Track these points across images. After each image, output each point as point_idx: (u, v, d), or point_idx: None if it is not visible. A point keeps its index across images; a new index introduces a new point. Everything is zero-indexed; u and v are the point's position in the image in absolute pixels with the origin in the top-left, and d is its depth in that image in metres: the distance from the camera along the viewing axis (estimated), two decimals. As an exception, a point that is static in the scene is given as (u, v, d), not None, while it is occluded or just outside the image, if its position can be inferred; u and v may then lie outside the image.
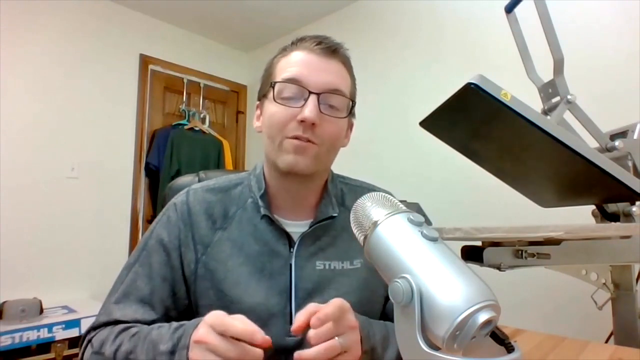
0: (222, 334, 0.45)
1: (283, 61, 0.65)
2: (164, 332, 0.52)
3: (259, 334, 0.45)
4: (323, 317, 0.46)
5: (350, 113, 0.67)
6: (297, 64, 0.62)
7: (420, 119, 0.93)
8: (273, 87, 0.63)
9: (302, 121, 0.59)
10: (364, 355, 0.51)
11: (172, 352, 0.49)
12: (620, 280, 0.97)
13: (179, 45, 3.00)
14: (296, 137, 0.60)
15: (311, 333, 0.46)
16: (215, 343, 0.45)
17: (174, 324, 0.53)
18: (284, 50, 0.66)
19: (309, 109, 0.59)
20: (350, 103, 0.66)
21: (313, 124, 0.59)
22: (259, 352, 0.45)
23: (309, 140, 0.60)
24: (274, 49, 0.70)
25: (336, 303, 0.48)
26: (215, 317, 0.47)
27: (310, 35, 0.65)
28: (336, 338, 0.47)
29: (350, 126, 0.71)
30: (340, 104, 0.63)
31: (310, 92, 0.60)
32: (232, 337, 0.45)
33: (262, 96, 0.68)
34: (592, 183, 0.82)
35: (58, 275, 2.33)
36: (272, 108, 0.63)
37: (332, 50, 0.63)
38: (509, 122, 0.74)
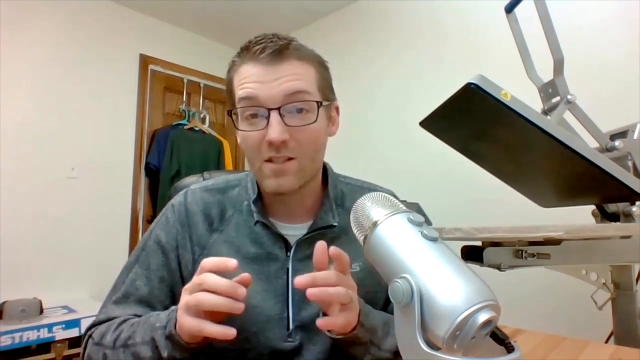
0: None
1: (236, 79, 0.60)
2: (162, 314, 0.53)
3: (231, 261, 0.47)
4: (341, 251, 0.48)
5: (326, 104, 0.62)
6: (247, 80, 0.57)
7: (420, 119, 0.93)
8: (232, 115, 0.60)
9: (270, 143, 0.56)
10: (360, 328, 0.52)
11: (165, 326, 0.50)
12: (620, 280, 0.97)
13: (179, 45, 3.00)
14: (271, 160, 0.58)
15: (327, 272, 0.48)
16: (191, 283, 0.47)
17: (173, 307, 0.54)
18: (234, 65, 0.61)
19: (273, 129, 0.55)
20: (319, 102, 0.59)
21: (284, 141, 0.56)
22: (226, 282, 0.46)
23: (288, 158, 0.57)
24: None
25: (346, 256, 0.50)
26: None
27: (255, 39, 0.58)
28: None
29: (334, 109, 0.67)
30: (308, 105, 0.58)
31: (269, 110, 0.56)
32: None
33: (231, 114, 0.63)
34: (592, 183, 0.83)
35: (58, 275, 2.33)
36: (241, 132, 0.60)
37: (279, 52, 0.56)
38: (509, 122, 0.74)
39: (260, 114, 0.57)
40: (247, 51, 0.58)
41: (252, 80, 0.57)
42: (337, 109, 0.68)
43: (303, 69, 0.59)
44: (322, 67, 0.63)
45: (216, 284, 0.45)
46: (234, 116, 0.60)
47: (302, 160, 0.59)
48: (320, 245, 0.49)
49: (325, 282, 0.46)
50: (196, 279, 0.47)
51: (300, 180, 0.60)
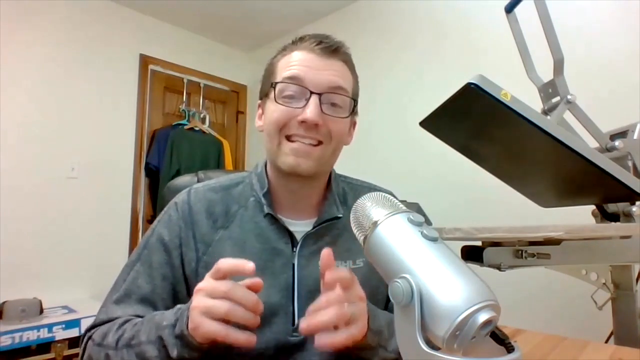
0: (219, 279, 0.46)
1: (283, 61, 0.64)
2: (167, 313, 0.53)
3: (249, 264, 0.46)
4: (339, 274, 0.47)
5: (353, 112, 0.67)
6: (297, 63, 0.62)
7: (420, 119, 0.93)
8: (274, 87, 0.62)
9: (302, 122, 0.59)
10: (369, 333, 0.51)
11: (174, 325, 0.49)
12: (620, 280, 0.97)
13: (179, 45, 3.00)
14: (296, 139, 0.60)
15: (322, 297, 0.46)
16: (211, 286, 0.46)
17: (178, 305, 0.53)
18: (284, 50, 0.66)
19: (310, 110, 0.58)
20: (353, 102, 0.65)
21: (316, 124, 0.59)
22: (255, 297, 0.46)
23: (318, 142, 0.61)
24: (274, 49, 0.69)
25: (347, 271, 0.48)
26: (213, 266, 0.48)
27: (311, 34, 0.65)
28: (346, 305, 0.46)
29: (353, 124, 0.71)
30: (343, 102, 0.63)
31: (311, 93, 0.60)
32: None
33: (263, 96, 0.68)
34: (592, 183, 0.82)
35: (58, 275, 2.32)
36: (273, 107, 0.62)
37: (332, 49, 0.63)
38: (509, 122, 0.74)
39: (298, 96, 0.61)
40: (301, 41, 0.64)
41: (302, 64, 0.61)
42: (354, 124, 0.72)
43: (346, 72, 0.65)
44: (357, 79, 0.69)
45: (244, 298, 0.45)
46: (271, 90, 0.63)
47: (327, 148, 0.62)
48: (326, 252, 0.48)
49: (317, 309, 0.46)
50: (220, 285, 0.46)
51: (317, 166, 0.62)
